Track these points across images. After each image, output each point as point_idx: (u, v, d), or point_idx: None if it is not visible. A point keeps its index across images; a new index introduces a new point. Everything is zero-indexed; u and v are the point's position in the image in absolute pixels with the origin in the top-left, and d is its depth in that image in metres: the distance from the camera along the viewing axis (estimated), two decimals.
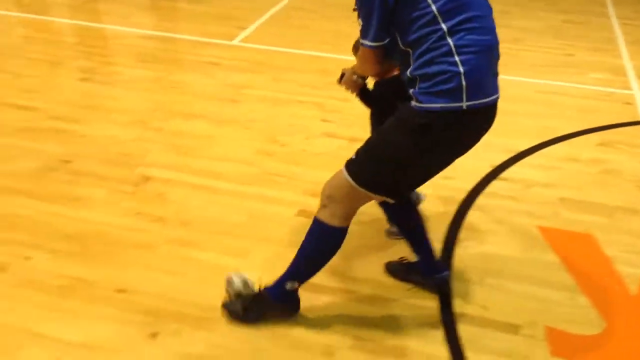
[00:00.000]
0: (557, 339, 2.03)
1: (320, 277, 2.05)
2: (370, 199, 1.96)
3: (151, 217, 2.54)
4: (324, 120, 3.39)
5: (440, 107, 1.72)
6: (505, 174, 2.97)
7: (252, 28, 4.66)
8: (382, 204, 2.17)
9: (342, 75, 2.12)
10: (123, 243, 2.38)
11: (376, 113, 2.19)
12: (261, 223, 2.52)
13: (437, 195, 2.70)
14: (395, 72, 2.08)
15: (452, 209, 2.67)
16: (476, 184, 2.87)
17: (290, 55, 4.21)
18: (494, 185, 2.87)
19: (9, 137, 3.07)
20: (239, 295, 2.07)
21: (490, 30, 1.78)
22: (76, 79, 3.75)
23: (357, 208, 1.98)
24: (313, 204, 2.65)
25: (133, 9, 4.97)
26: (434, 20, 1.69)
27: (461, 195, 2.77)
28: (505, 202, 2.74)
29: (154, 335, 1.95)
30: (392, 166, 1.86)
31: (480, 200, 2.74)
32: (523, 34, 4.85)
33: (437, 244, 2.41)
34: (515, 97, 3.70)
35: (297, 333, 1.99)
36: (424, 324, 2.06)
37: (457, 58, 1.70)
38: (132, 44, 4.34)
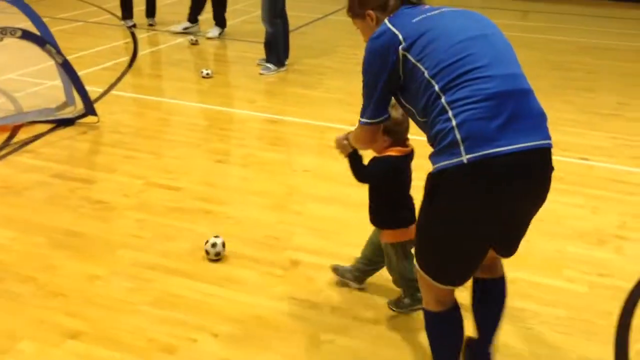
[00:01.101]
0: None
1: None
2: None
3: (306, 303, 2.59)
4: None
5: (442, 165, 1.69)
6: None
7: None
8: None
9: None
10: (283, 329, 2.44)
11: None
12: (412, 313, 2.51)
13: (594, 294, 2.62)
14: (391, 152, 2.33)
15: (615, 309, 2.59)
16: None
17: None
18: None
19: (162, 216, 3.25)
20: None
21: (499, 77, 1.70)
22: (213, 160, 3.96)
23: (445, 293, 1.92)
24: (465, 295, 2.61)
25: (255, 94, 5.24)
26: (428, 85, 1.74)
27: (622, 294, 2.68)
28: None
29: None
30: (429, 244, 1.85)
31: None
32: None
33: (603, 346, 2.34)
34: None
35: None
36: None
37: (450, 114, 1.69)
38: (260, 127, 4.56)
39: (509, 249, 1.96)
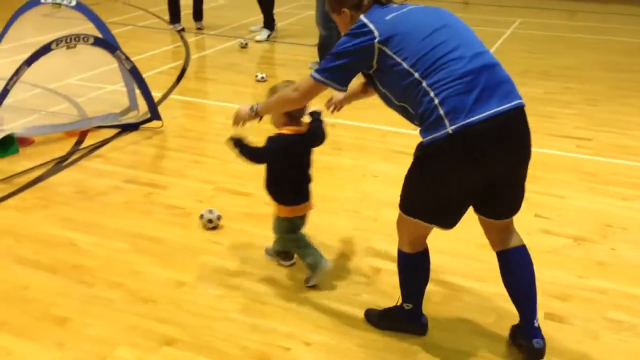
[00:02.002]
0: None
1: None
2: (424, 227, 2.24)
3: None
4: (538, 216, 3.36)
5: (431, 138, 2.03)
6: None
7: None
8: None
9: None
10: (378, 338, 2.41)
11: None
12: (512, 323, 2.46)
13: None
14: (284, 130, 2.58)
15: None
16: None
17: None
18: None
19: (237, 222, 3.26)
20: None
21: (467, 57, 2.03)
22: None
23: (420, 236, 2.30)
24: (556, 306, 2.57)
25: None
26: (408, 74, 2.05)
27: None
28: None
29: None
30: (418, 193, 2.19)
31: None
32: None
33: None
34: None
35: None
36: None
37: (431, 94, 2.01)
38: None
39: (509, 208, 2.27)
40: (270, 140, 2.60)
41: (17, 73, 3.39)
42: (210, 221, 3.18)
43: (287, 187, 2.71)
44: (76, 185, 3.63)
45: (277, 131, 2.63)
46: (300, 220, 2.78)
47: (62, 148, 4.10)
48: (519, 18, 8.68)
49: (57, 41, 3.50)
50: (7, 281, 2.73)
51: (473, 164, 2.02)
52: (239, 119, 2.63)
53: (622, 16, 9.06)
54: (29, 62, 3.45)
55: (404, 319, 2.46)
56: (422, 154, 2.10)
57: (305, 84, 2.29)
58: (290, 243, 2.81)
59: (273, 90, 2.59)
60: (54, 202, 3.42)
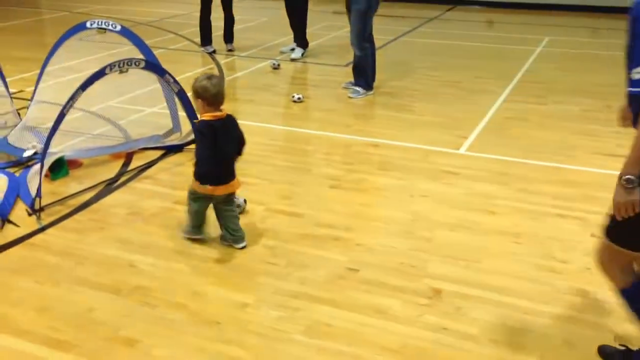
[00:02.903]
0: None
1: None
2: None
3: (460, 334, 2.55)
4: (595, 236, 3.33)
5: None
6: None
7: (472, 137, 4.77)
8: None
9: None
10: None
11: None
12: (580, 348, 2.45)
13: None
14: (204, 116, 3.10)
15: None
16: None
17: (527, 166, 4.22)
18: None
19: (292, 243, 3.27)
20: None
21: None
22: (327, 186, 3.98)
23: (629, 262, 2.18)
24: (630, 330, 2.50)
25: (349, 118, 5.27)
26: None
27: None
28: None
29: None
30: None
31: None
32: None
33: None
34: None
35: None
36: None
37: None
38: (364, 151, 4.57)
39: None
40: (195, 123, 3.48)
41: (73, 98, 3.45)
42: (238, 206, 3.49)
43: (204, 165, 3.16)
44: (129, 207, 3.67)
45: None
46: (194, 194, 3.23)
47: (111, 170, 4.15)
48: (547, 36, 8.68)
49: (111, 66, 3.55)
50: (73, 303, 2.76)
51: None
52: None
53: None
54: (84, 87, 3.51)
55: None
56: None
57: None
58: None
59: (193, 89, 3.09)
60: (109, 224, 3.46)
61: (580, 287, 2.88)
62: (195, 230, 3.26)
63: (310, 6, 7.50)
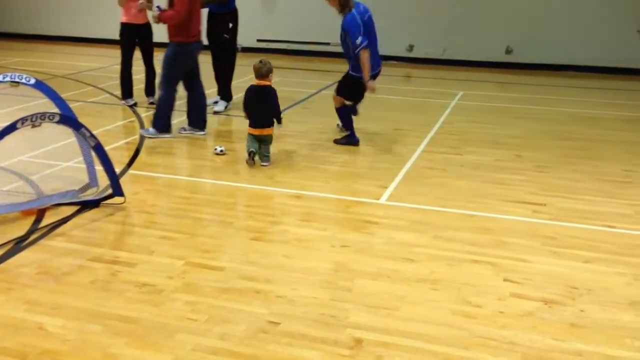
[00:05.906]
0: None
1: None
2: None
3: None
4: (507, 280, 3.45)
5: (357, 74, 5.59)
6: None
7: (392, 187, 4.89)
8: None
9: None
10: None
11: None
12: None
13: None
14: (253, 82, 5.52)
15: None
16: None
17: (444, 214, 4.36)
18: None
19: (211, 297, 3.20)
20: None
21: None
22: (248, 238, 3.95)
23: None
24: None
25: (271, 170, 5.29)
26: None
27: None
28: None
29: None
30: None
31: None
32: None
33: None
34: None
35: None
36: None
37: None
38: (286, 203, 4.58)
39: None
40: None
41: None
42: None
43: None
44: (39, 266, 3.50)
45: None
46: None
47: (21, 227, 3.96)
48: (461, 90, 9.13)
49: (23, 120, 3.44)
50: None
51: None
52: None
53: (553, 87, 9.68)
54: None
55: None
56: (355, 78, 5.83)
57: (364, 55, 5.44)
58: None
59: (258, 70, 5.46)
60: (17, 284, 3.28)
61: (494, 331, 2.96)
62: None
63: (237, 61, 7.61)
